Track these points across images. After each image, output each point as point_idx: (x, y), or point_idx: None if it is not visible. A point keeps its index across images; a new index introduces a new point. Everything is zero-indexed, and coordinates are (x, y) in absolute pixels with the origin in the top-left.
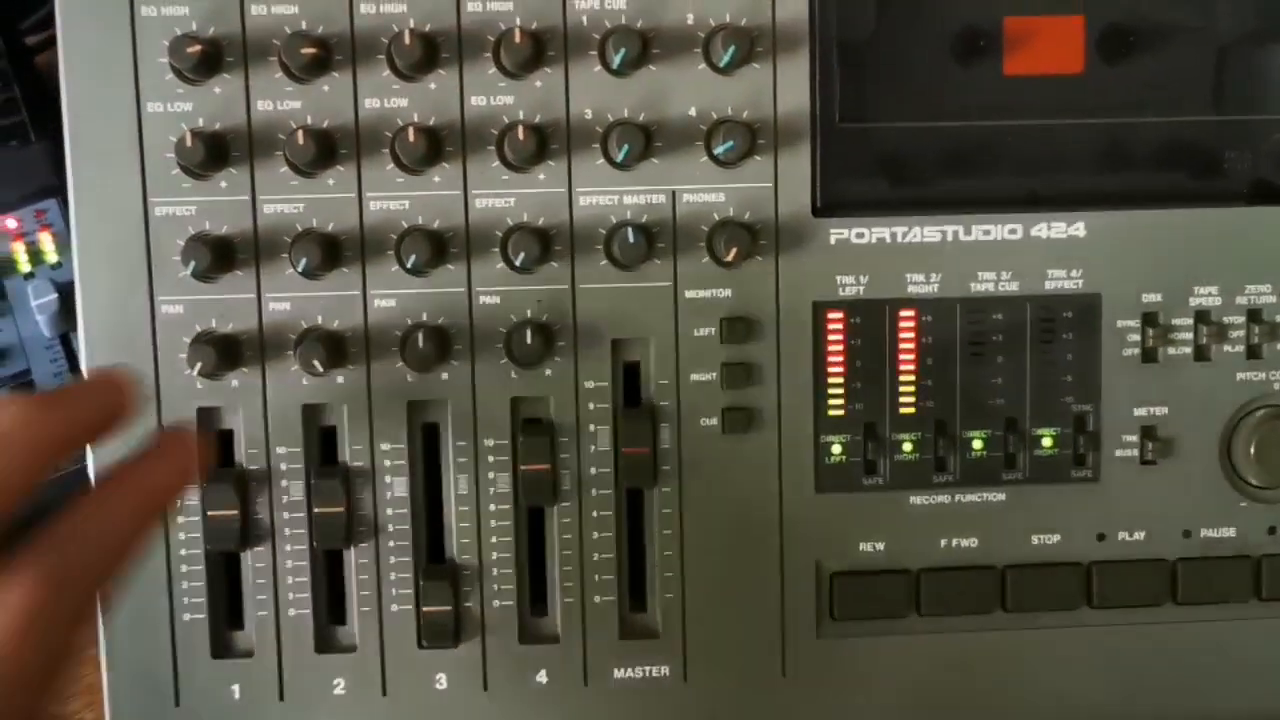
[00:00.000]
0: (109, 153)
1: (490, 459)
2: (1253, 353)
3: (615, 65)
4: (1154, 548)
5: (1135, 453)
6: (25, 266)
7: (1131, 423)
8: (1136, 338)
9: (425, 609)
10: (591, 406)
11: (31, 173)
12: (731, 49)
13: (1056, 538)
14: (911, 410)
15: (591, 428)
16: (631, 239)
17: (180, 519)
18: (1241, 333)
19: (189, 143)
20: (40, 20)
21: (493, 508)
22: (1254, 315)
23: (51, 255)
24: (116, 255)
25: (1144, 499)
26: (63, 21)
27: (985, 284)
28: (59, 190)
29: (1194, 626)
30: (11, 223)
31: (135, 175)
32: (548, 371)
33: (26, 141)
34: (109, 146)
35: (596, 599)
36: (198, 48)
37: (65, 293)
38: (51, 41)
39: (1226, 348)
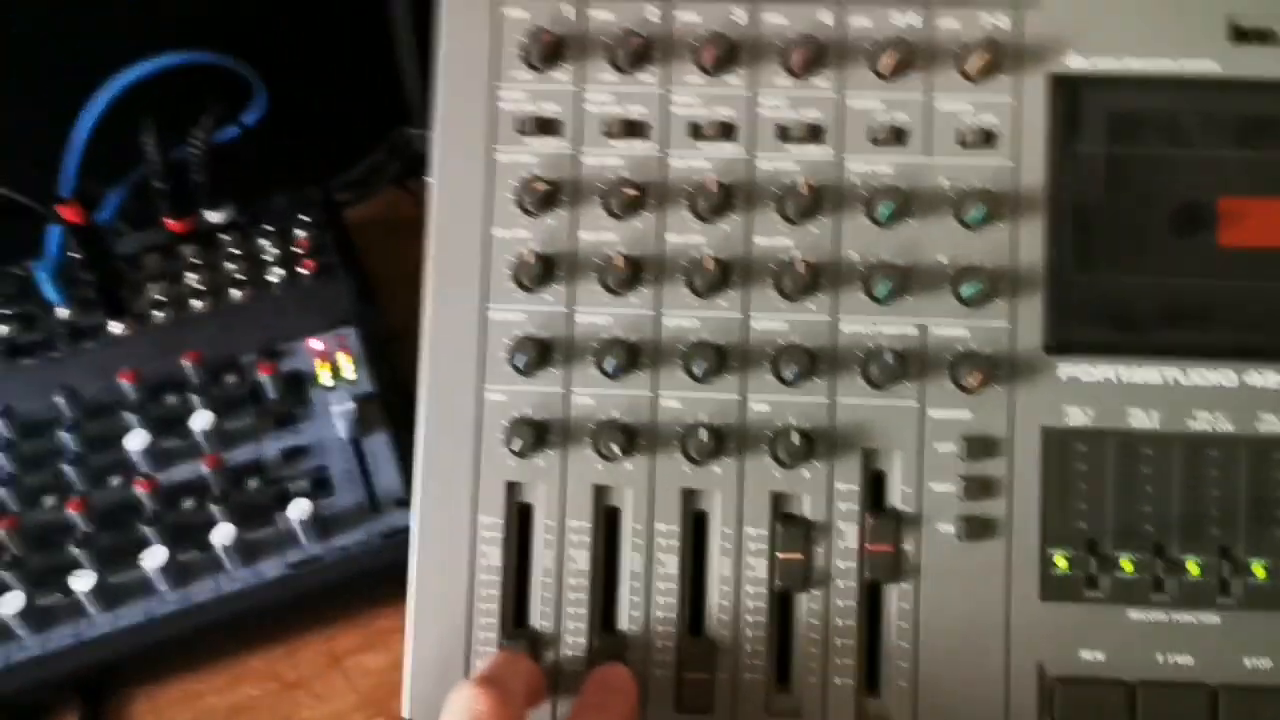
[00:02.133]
0: (460, 266)
1: (751, 546)
2: None
3: (880, 218)
4: None
5: None
6: (327, 381)
7: None
8: None
9: (685, 676)
10: (842, 507)
11: (336, 304)
12: (980, 209)
13: (1269, 663)
14: (1131, 532)
15: (841, 525)
16: (890, 362)
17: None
18: None
19: (528, 261)
20: (349, 181)
21: (749, 589)
22: None
23: (348, 373)
24: (457, 349)
25: None
26: (436, 162)
27: (1202, 423)
28: (357, 319)
29: None
30: (318, 344)
31: (477, 286)
32: (806, 473)
33: (334, 278)
34: (460, 261)
35: (836, 680)
36: (541, 187)
37: (359, 404)
38: (356, 200)
39: None
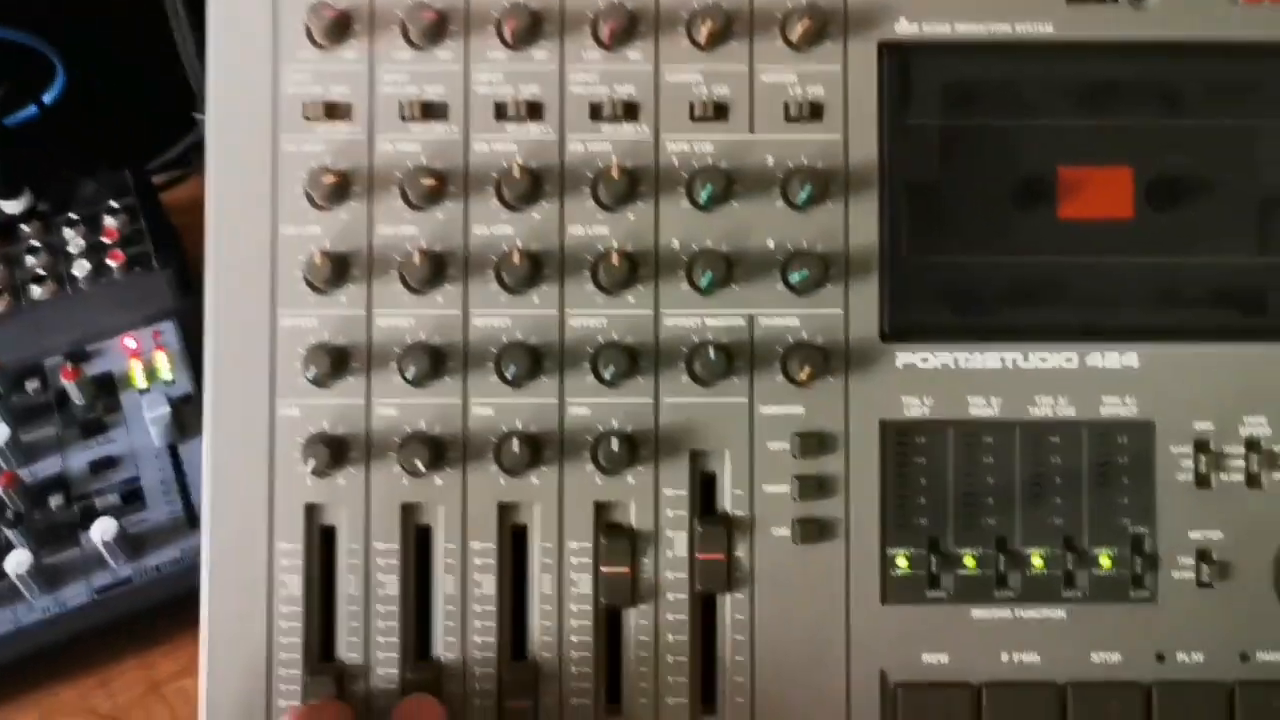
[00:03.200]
0: (244, 269)
1: (573, 560)
2: None
3: (702, 201)
4: (1212, 670)
5: (1191, 575)
6: (141, 383)
7: (1187, 545)
8: (1190, 464)
9: (507, 704)
10: (670, 514)
11: (152, 297)
12: (808, 189)
13: (1117, 656)
14: (974, 527)
15: (669, 534)
16: (713, 357)
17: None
18: None
19: (318, 261)
20: (166, 162)
21: (574, 608)
22: None
23: (165, 373)
24: (243, 360)
25: (1201, 621)
26: (211, 153)
27: (1043, 408)
28: (175, 313)
29: None
30: (131, 342)
31: (266, 289)
32: (630, 479)
33: (149, 269)
34: (244, 263)
35: (669, 700)
36: (331, 179)
37: (176, 407)
38: (174, 182)
39: (1277, 475)
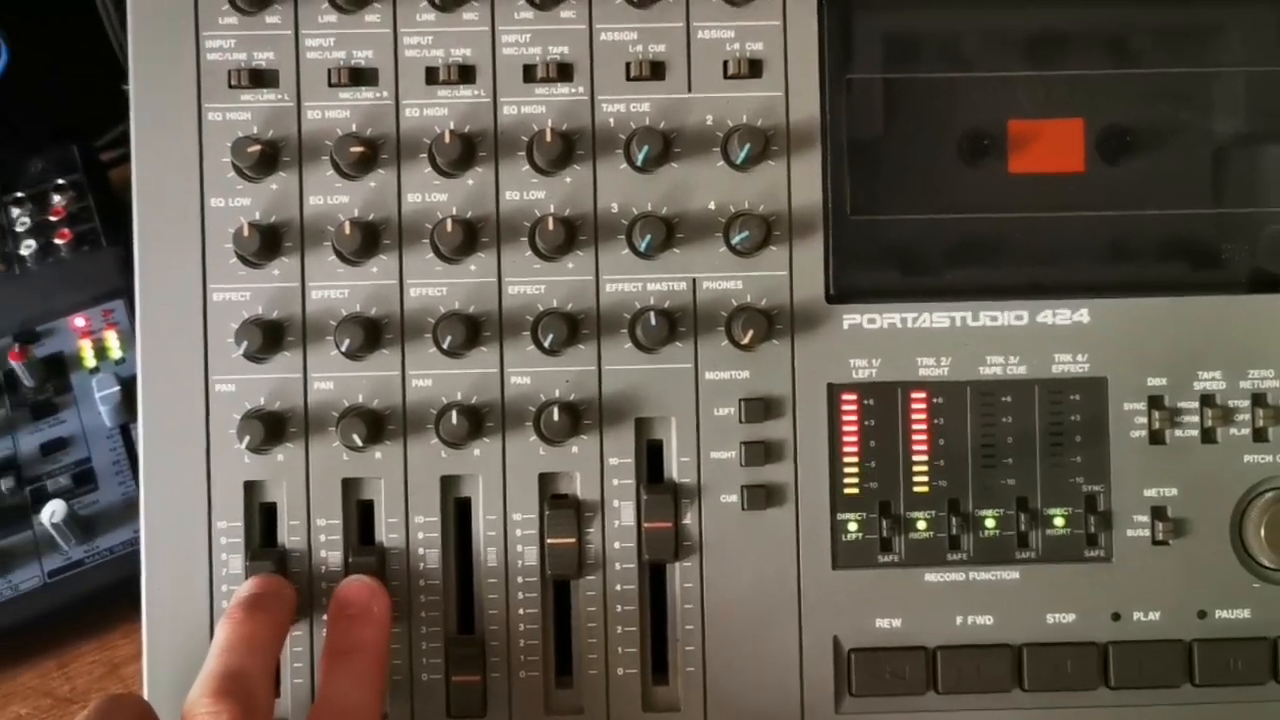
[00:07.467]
0: (173, 243)
1: (519, 533)
2: (1259, 435)
3: (639, 162)
4: (1169, 628)
5: (1147, 533)
6: (91, 362)
7: (1142, 503)
8: (1144, 420)
9: (454, 679)
10: (615, 483)
11: (101, 275)
12: (747, 147)
13: (1072, 617)
14: (925, 489)
15: (615, 503)
16: (654, 323)
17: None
18: (1247, 416)
19: (246, 233)
20: (114, 139)
21: (520, 580)
22: (1258, 399)
23: (116, 351)
24: (176, 337)
25: (1157, 579)
26: (136, 125)
27: (994, 368)
28: (125, 292)
29: (1212, 708)
30: (80, 321)
31: (196, 264)
32: (574, 449)
33: (98, 247)
34: (174, 237)
35: (620, 671)
36: (257, 148)
37: (127, 386)
38: (124, 158)
39: (1232, 430)
